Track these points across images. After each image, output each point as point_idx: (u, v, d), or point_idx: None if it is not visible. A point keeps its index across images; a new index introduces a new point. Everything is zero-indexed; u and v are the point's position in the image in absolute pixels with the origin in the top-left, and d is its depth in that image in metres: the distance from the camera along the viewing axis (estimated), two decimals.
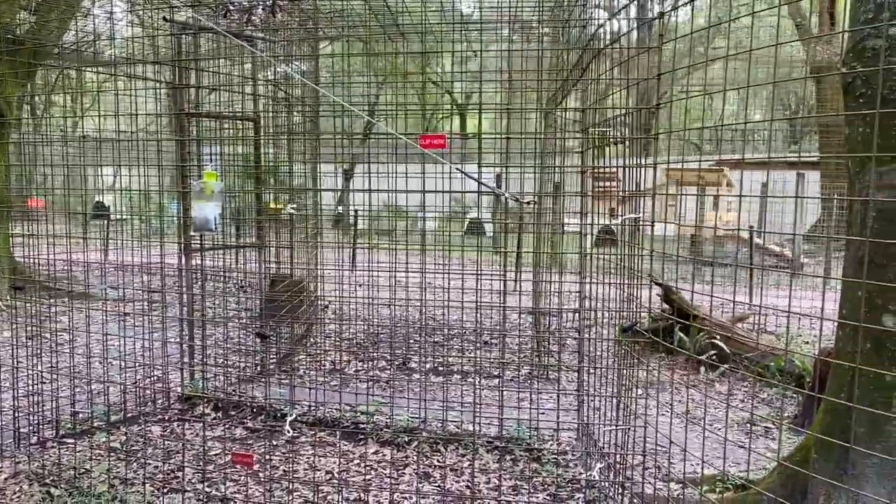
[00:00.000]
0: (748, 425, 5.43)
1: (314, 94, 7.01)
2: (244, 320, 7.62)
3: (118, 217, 11.11)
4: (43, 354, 5.03)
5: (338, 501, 4.02)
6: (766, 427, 5.43)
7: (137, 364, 5.90)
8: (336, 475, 4.42)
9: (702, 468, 4.39)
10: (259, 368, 6.54)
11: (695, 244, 14.69)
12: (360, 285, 9.15)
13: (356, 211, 13.41)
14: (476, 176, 3.59)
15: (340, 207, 19.35)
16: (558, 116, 6.17)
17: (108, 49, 6.09)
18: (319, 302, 7.74)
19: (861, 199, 3.36)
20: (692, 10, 3.38)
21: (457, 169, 3.32)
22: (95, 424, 5.14)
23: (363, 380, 6.44)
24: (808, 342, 7.79)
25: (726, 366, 6.74)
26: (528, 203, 4.26)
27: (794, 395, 6.12)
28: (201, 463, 4.46)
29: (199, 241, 5.74)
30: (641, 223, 3.53)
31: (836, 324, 3.75)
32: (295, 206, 5.98)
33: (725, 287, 10.91)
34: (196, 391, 5.73)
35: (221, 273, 6.66)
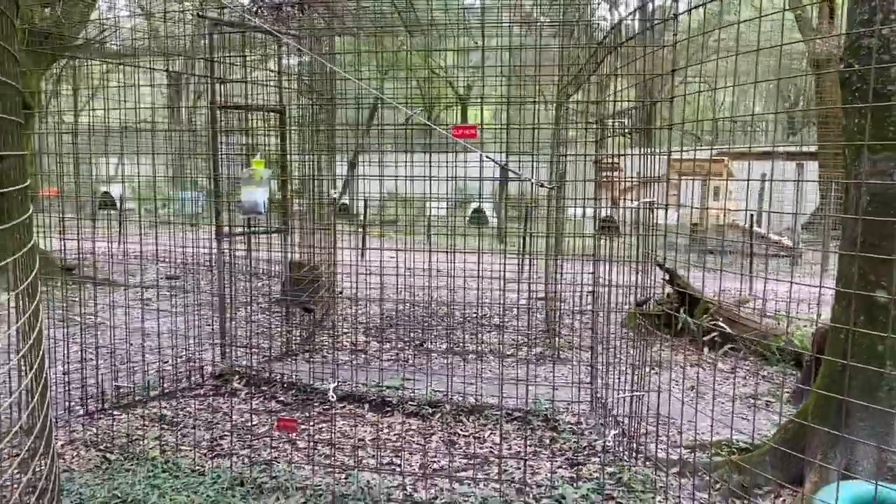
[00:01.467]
0: (751, 399, 5.77)
1: (331, 86, 7.32)
2: (269, 303, 7.97)
3: (140, 206, 11.43)
4: (86, 335, 5.37)
5: (374, 462, 4.36)
6: (767, 401, 5.78)
7: (174, 344, 6.23)
8: (368, 441, 4.76)
9: (711, 434, 4.73)
10: (285, 349, 6.88)
11: (697, 233, 14.99)
12: (370, 273, 9.50)
13: (365, 199, 13.73)
14: (501, 164, 3.91)
15: (346, 197, 19.63)
16: (572, 109, 6.49)
17: (135, 41, 6.39)
18: (336, 288, 8.09)
19: (855, 181, 3.69)
20: (705, 10, 3.69)
21: (487, 157, 3.63)
22: (137, 398, 5.48)
23: (385, 360, 6.78)
24: (806, 325, 8.12)
25: (729, 345, 7.09)
26: (552, 188, 4.55)
27: (794, 373, 6.46)
28: (243, 432, 4.81)
29: (228, 226, 6.08)
30: (656, 206, 3.85)
31: (833, 302, 4.07)
32: (338, 191, 6.30)
33: (727, 274, 11.25)
34: (229, 369, 6.07)
35: (248, 258, 6.98)
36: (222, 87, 5.99)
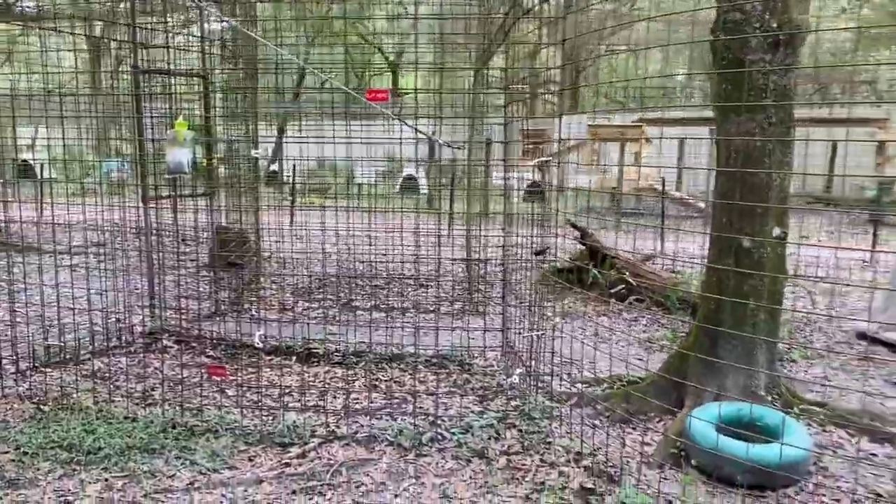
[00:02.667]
0: (648, 342, 6.34)
1: (253, 51, 7.46)
2: (198, 267, 8.13)
3: (63, 173, 11.27)
4: (14, 299, 5.49)
5: (300, 405, 4.70)
6: (662, 344, 6.35)
7: (103, 305, 6.38)
8: (295, 388, 5.10)
9: (610, 371, 5.23)
10: (214, 309, 7.10)
11: (615, 196, 15.67)
12: (299, 238, 9.70)
13: (294, 165, 13.83)
14: (412, 126, 4.24)
15: (274, 165, 19.57)
16: (492, 75, 6.82)
17: (54, 4, 6.38)
18: (261, 251, 8.32)
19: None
20: None
21: (399, 119, 3.95)
22: (68, 357, 5.65)
23: (312, 317, 7.09)
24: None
25: (634, 297, 7.66)
26: (460, 149, 4.88)
27: (689, 320, 7.07)
28: (174, 383, 5.07)
29: (155, 187, 6.24)
30: (552, 165, 4.26)
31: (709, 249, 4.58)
32: (258, 152, 6.50)
33: (644, 234, 11.91)
34: (159, 328, 6.27)
35: (175, 221, 7.13)
36: (145, 52, 6.10)
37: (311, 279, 8.66)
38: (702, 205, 16.99)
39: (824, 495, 3.65)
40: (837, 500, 3.58)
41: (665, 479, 3.73)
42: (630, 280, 7.62)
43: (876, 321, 6.61)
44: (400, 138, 6.06)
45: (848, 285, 8.54)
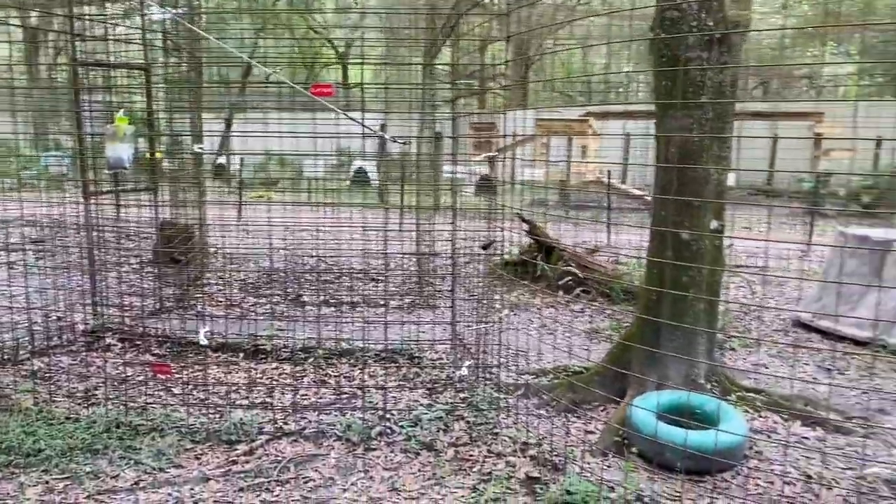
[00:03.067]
0: (594, 333, 6.47)
1: (197, 43, 7.33)
2: (141, 263, 7.97)
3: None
4: None
5: (247, 402, 4.67)
6: (608, 334, 6.48)
7: (43, 304, 6.21)
8: (242, 385, 5.05)
9: (553, 362, 5.33)
10: (159, 306, 6.98)
11: (564, 189, 15.88)
12: (247, 232, 9.61)
13: (242, 159, 13.65)
14: (360, 122, 4.24)
15: (221, 158, 19.26)
16: (436, 70, 6.85)
17: None
18: (208, 246, 8.21)
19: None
20: None
21: (343, 114, 3.94)
22: (6, 357, 5.50)
23: (260, 313, 7.02)
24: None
25: (581, 288, 7.80)
26: (405, 143, 4.91)
27: (631, 312, 7.23)
28: (118, 382, 4.98)
29: (94, 182, 6.09)
30: (499, 160, 4.30)
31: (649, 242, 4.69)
32: (201, 146, 6.40)
33: (590, 225, 12.09)
34: (101, 326, 6.14)
35: (117, 216, 6.99)
36: (84, 43, 5.94)
37: (258, 274, 8.57)
38: (648, 197, 17.35)
39: (759, 478, 3.79)
40: (771, 483, 3.73)
41: (608, 466, 3.83)
42: (576, 272, 7.75)
43: (808, 311, 6.87)
44: (348, 133, 6.05)
45: (776, 277, 8.83)
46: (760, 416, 4.49)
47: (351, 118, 4.24)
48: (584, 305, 7.59)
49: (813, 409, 4.54)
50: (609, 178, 13.51)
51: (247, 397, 4.84)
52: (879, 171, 18.13)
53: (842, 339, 6.29)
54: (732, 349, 6.08)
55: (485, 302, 4.79)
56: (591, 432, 4.29)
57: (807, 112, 18.75)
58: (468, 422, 4.39)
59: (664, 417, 3.87)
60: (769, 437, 4.21)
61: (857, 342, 6.12)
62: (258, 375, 5.33)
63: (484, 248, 4.58)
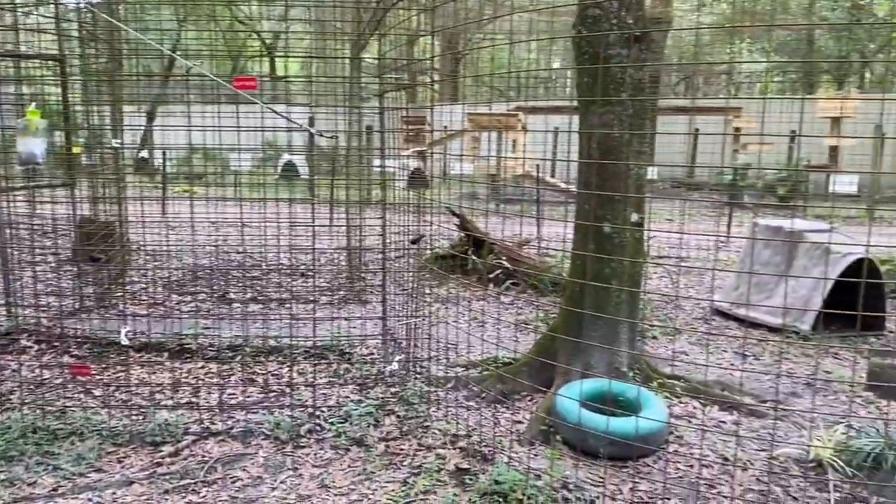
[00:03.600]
0: (524, 324, 6.57)
1: (117, 34, 7.09)
2: (59, 261, 7.68)
3: None
4: None
5: (172, 403, 4.57)
6: (536, 325, 6.60)
7: None
8: (167, 385, 4.94)
9: (482, 354, 5.39)
10: (78, 305, 6.74)
11: (495, 182, 16.03)
12: (172, 228, 9.35)
13: (164, 153, 13.27)
14: (285, 115, 4.19)
15: (144, 152, 18.67)
16: (364, 63, 6.81)
17: None
18: (129, 243, 7.97)
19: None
20: None
21: (268, 108, 3.89)
22: None
23: (185, 311, 6.86)
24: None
25: (511, 281, 7.91)
26: (332, 137, 4.88)
27: (559, 303, 7.39)
28: (34, 386, 4.79)
29: (5, 178, 5.83)
30: (427, 154, 4.32)
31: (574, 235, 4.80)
32: (119, 141, 6.20)
33: (520, 219, 12.24)
34: (16, 328, 5.89)
35: (32, 214, 6.70)
36: None
37: (183, 272, 8.37)
38: (575, 191, 17.67)
39: (679, 462, 3.94)
40: (690, 466, 3.88)
41: (535, 455, 3.91)
42: (507, 265, 7.86)
43: (725, 300, 7.15)
44: (273, 126, 5.97)
45: (695, 268, 9.15)
46: (680, 402, 4.66)
47: (275, 111, 4.19)
48: (514, 297, 7.71)
49: (729, 394, 4.74)
50: (538, 173, 13.71)
51: (172, 398, 4.74)
52: (793, 164, 18.97)
53: (757, 326, 6.58)
54: (654, 338, 6.28)
55: (416, 296, 4.81)
56: (520, 422, 4.37)
57: (725, 107, 19.43)
58: (399, 416, 4.41)
59: (587, 405, 3.98)
60: (689, 422, 4.38)
61: (772, 329, 6.41)
62: (183, 375, 5.22)
63: (413, 242, 4.59)
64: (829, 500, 3.58)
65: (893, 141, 19.68)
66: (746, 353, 5.98)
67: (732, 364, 5.65)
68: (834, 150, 20.22)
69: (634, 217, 4.49)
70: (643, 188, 4.63)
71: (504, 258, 8.03)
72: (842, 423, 4.15)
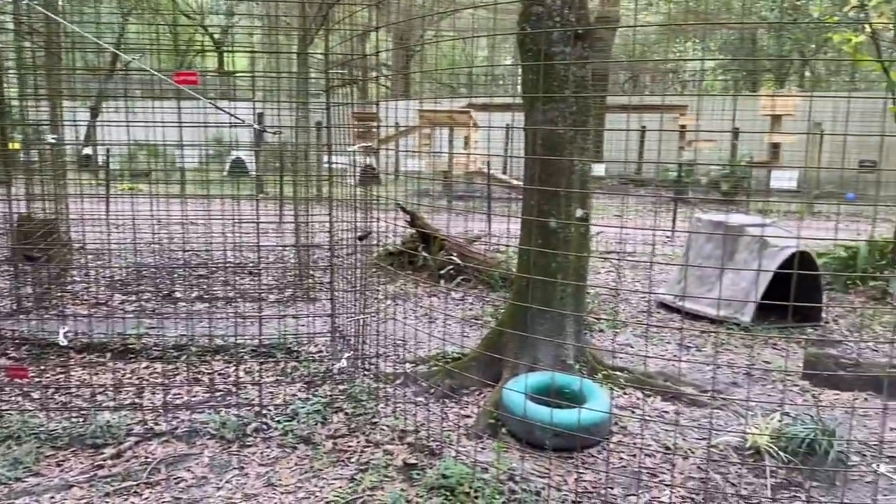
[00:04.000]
0: (475, 320, 6.62)
1: (54, 26, 6.90)
2: None
3: None
4: None
5: (115, 404, 4.47)
6: (486, 320, 6.65)
7: None
8: (109, 385, 4.83)
9: (431, 349, 5.41)
10: (16, 306, 6.55)
11: (446, 179, 16.07)
12: (117, 226, 9.15)
13: (108, 150, 12.94)
14: (228, 111, 4.13)
15: (88, 148, 18.17)
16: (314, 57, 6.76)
17: None
18: (73, 243, 7.77)
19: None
20: None
21: (211, 104, 3.83)
22: None
23: (129, 311, 6.72)
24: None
25: (461, 277, 7.95)
26: (276, 134, 4.84)
27: (508, 298, 7.46)
28: None
29: None
30: (372, 150, 4.32)
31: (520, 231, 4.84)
32: (55, 136, 6.02)
33: (473, 215, 12.30)
34: None
35: None
36: None
37: (127, 271, 8.19)
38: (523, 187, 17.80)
39: (623, 452, 4.02)
40: (633, 455, 3.96)
41: (483, 448, 3.95)
42: (458, 261, 7.89)
43: (670, 293, 7.31)
44: (217, 122, 5.89)
45: (631, 261, 9.34)
46: (625, 393, 4.75)
47: (217, 107, 4.13)
48: (465, 293, 7.75)
49: (671, 385, 4.85)
50: (489, 169, 13.79)
51: (114, 399, 4.63)
52: (736, 161, 19.46)
53: (700, 318, 6.74)
54: (601, 331, 6.39)
55: (364, 293, 4.80)
56: (468, 416, 4.40)
57: (672, 105, 19.82)
58: (347, 413, 4.40)
59: (533, 398, 4.03)
60: (633, 412, 4.47)
61: (714, 321, 6.58)
62: (127, 376, 5.11)
63: (360, 238, 4.58)
64: (765, 485, 3.69)
65: (831, 137, 20.34)
66: (689, 344, 6.12)
67: (675, 356, 5.78)
68: (775, 147, 20.83)
69: (579, 212, 4.56)
70: (588, 184, 4.71)
71: (454, 254, 8.06)
72: (778, 411, 4.29)
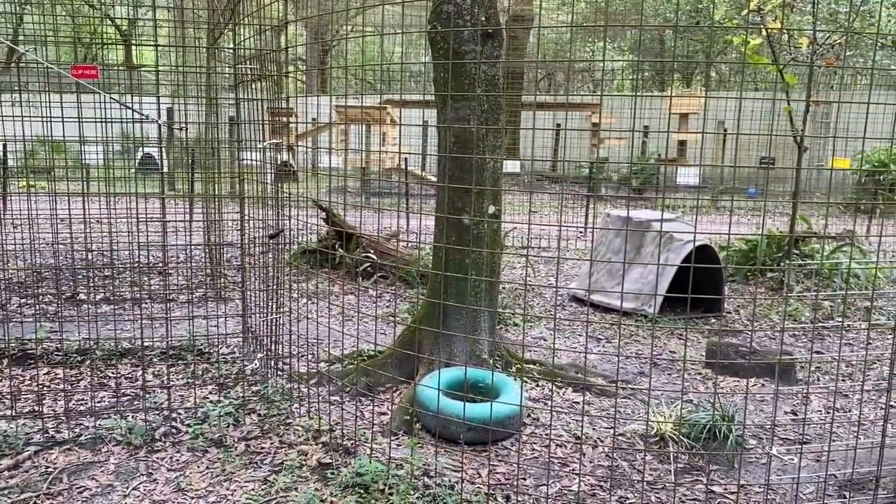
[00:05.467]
0: (391, 317, 6.62)
1: None
2: None
3: None
4: None
5: (13, 411, 4.26)
6: (403, 317, 6.66)
7: None
8: (5, 393, 4.60)
9: (351, 347, 5.38)
10: None
11: (365, 175, 15.98)
12: (16, 226, 8.73)
13: (4, 145, 12.25)
14: (128, 106, 3.99)
15: None
16: (223, 51, 6.61)
17: None
18: None
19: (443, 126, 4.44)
20: None
21: (113, 99, 3.69)
22: None
23: (28, 315, 6.41)
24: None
25: (378, 274, 7.94)
26: (181, 129, 4.69)
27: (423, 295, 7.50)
28: None
29: None
30: (281, 147, 4.26)
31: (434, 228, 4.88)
32: None
33: (389, 213, 12.29)
34: None
35: None
36: None
37: (26, 273, 7.80)
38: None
39: (535, 443, 4.11)
40: (546, 446, 4.06)
41: (398, 445, 3.96)
42: (374, 258, 7.87)
43: (581, 287, 7.51)
44: (122, 118, 5.70)
45: (539, 256, 9.56)
46: (538, 386, 4.86)
47: (118, 102, 3.99)
48: (382, 290, 7.74)
49: (581, 376, 5.00)
50: (406, 166, 13.80)
51: (11, 407, 4.41)
52: (645, 158, 20.13)
53: (610, 311, 6.96)
54: (515, 325, 6.51)
55: (278, 292, 4.73)
56: (384, 413, 4.41)
57: (584, 104, 20.33)
58: (260, 414, 4.33)
59: (447, 393, 4.08)
60: (545, 404, 4.58)
61: (623, 313, 6.80)
62: (26, 383, 4.87)
63: (271, 237, 4.52)
64: (670, 470, 3.86)
65: (732, 136, 21.25)
66: (600, 336, 6.32)
67: (589, 349, 5.95)
68: (682, 145, 21.68)
69: (492, 209, 4.62)
70: (500, 181, 4.78)
71: (371, 251, 8.04)
72: (681, 398, 4.48)
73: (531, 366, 5.03)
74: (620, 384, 4.96)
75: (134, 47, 27.93)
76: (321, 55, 26.66)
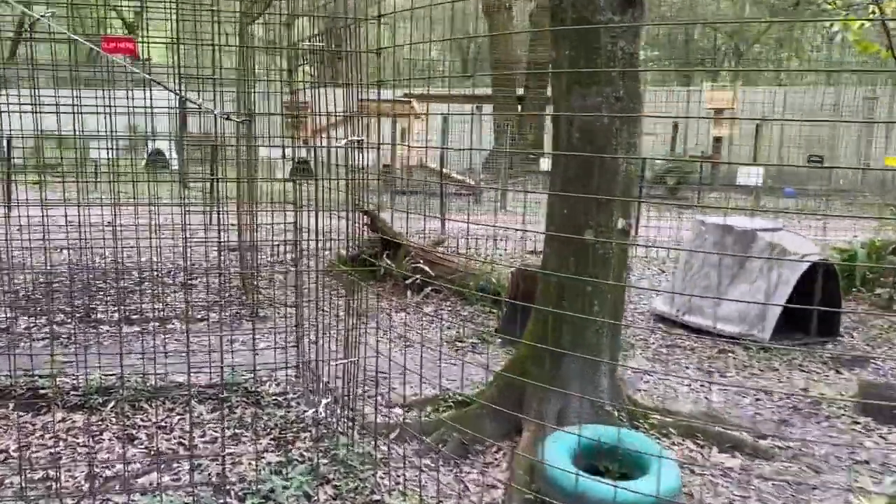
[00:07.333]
0: (457, 343, 5.70)
1: None
2: None
3: None
4: None
5: (21, 485, 3.33)
6: (472, 342, 5.74)
7: None
8: (13, 453, 3.67)
9: (421, 387, 4.46)
10: None
11: (390, 174, 15.04)
12: (20, 228, 7.78)
13: (9, 140, 11.32)
14: (176, 92, 3.08)
15: None
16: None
17: None
18: None
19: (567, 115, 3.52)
20: None
21: (155, 82, 2.78)
22: None
23: (37, 339, 5.49)
24: (502, 262, 8.41)
25: (430, 287, 7.00)
26: (242, 121, 3.87)
27: (493, 311, 6.56)
28: None
29: None
30: (366, 146, 3.34)
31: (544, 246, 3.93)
32: None
33: (417, 215, 11.36)
34: None
35: None
36: None
37: (34, 284, 6.89)
38: (471, 182, 16.97)
39: None
40: None
41: None
42: (427, 270, 6.93)
43: (668, 305, 6.58)
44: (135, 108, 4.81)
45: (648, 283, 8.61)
46: (672, 443, 3.93)
47: (163, 86, 3.06)
48: (437, 306, 6.82)
49: (721, 428, 4.06)
50: (442, 164, 12.87)
51: (20, 474, 3.47)
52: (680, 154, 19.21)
53: (708, 334, 6.01)
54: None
55: (356, 323, 3.81)
56: (493, 487, 3.47)
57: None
58: (336, 487, 3.40)
59: (582, 464, 3.15)
60: (692, 471, 3.64)
61: (728, 338, 5.85)
62: (37, 434, 3.95)
63: (352, 259, 3.58)
64: None
65: (770, 132, 20.32)
66: (710, 368, 5.37)
67: (702, 385, 5.00)
68: (717, 142, 20.73)
69: (621, 223, 3.68)
70: (632, 189, 3.85)
71: (422, 262, 7.10)
72: (857, 462, 3.55)
73: (658, 415, 4.08)
74: (778, 442, 4.02)
75: (141, 36, 26.94)
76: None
